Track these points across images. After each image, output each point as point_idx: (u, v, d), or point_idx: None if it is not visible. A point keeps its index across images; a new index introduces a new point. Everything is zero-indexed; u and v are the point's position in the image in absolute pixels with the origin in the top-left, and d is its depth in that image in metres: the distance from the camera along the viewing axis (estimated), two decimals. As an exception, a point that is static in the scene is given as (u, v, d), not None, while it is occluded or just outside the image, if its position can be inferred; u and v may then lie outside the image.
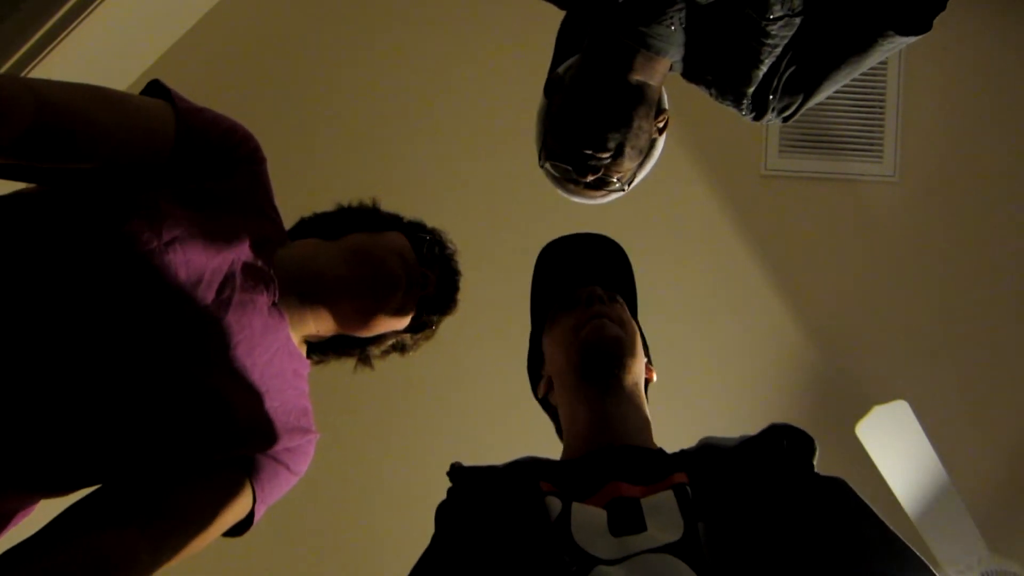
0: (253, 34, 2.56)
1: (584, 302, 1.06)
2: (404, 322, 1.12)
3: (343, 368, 1.21)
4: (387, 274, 1.05)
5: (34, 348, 0.82)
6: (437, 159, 2.57)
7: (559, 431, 1.09)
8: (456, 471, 0.95)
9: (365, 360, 1.20)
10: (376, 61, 2.58)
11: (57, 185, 0.91)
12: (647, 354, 1.13)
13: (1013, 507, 2.57)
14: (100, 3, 1.93)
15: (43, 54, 1.92)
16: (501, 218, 2.52)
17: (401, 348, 1.21)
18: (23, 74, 1.91)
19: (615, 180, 1.13)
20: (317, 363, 1.17)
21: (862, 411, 2.22)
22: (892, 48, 1.07)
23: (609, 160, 1.09)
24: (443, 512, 0.90)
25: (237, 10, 2.52)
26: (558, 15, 1.20)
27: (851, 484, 0.83)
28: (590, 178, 1.11)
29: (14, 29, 1.89)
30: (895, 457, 2.20)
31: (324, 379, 1.24)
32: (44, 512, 0.89)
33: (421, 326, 1.16)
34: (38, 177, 0.90)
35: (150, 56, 2.44)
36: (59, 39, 1.92)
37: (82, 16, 1.92)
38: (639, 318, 1.16)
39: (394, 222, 1.18)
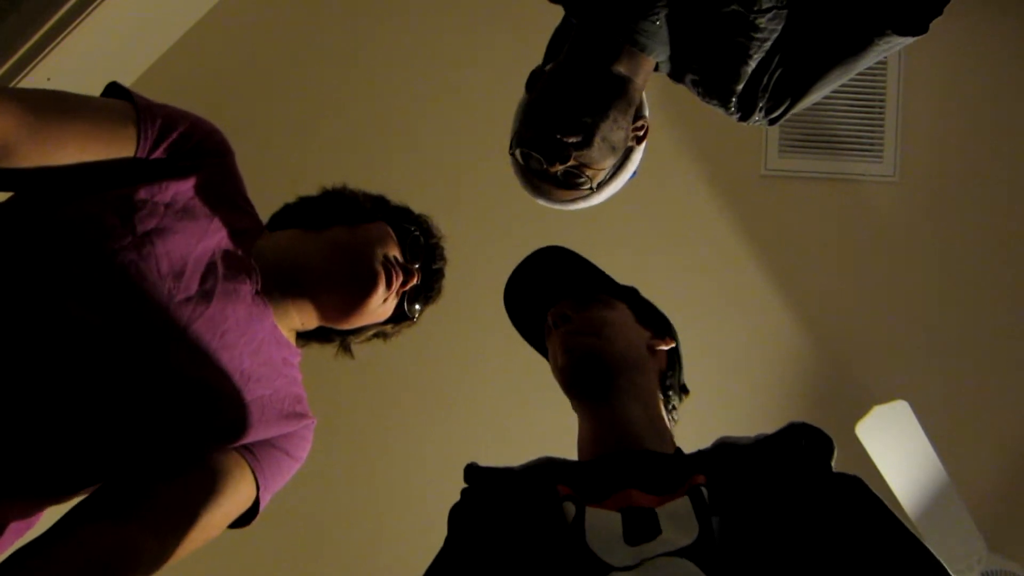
0: (252, 35, 2.56)
1: (554, 327, 1.06)
2: (385, 315, 1.12)
3: (343, 360, 1.22)
4: (368, 271, 1.05)
5: (19, 351, 0.82)
6: (439, 156, 2.57)
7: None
8: (472, 472, 0.94)
9: (346, 348, 1.20)
10: (375, 61, 2.58)
11: (26, 190, 0.91)
12: (653, 325, 1.10)
13: (1013, 507, 2.57)
14: (100, 3, 1.93)
15: (43, 54, 1.91)
16: (508, 210, 2.51)
17: (382, 336, 1.21)
18: (23, 74, 1.91)
19: (585, 177, 1.09)
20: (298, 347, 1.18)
21: (862, 411, 2.22)
22: (887, 50, 1.06)
23: (577, 146, 1.04)
24: (458, 514, 0.90)
25: (236, 11, 2.52)
26: (559, 15, 1.20)
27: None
28: (559, 167, 1.07)
29: (14, 29, 1.89)
30: (895, 457, 2.20)
31: (323, 370, 1.24)
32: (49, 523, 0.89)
33: (403, 316, 1.16)
34: (4, 183, 0.90)
35: (150, 56, 2.44)
36: (59, 39, 1.92)
37: (82, 16, 1.92)
38: (636, 291, 1.15)
39: (378, 208, 1.17)
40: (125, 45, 2.27)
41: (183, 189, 0.96)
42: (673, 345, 1.12)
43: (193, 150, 0.99)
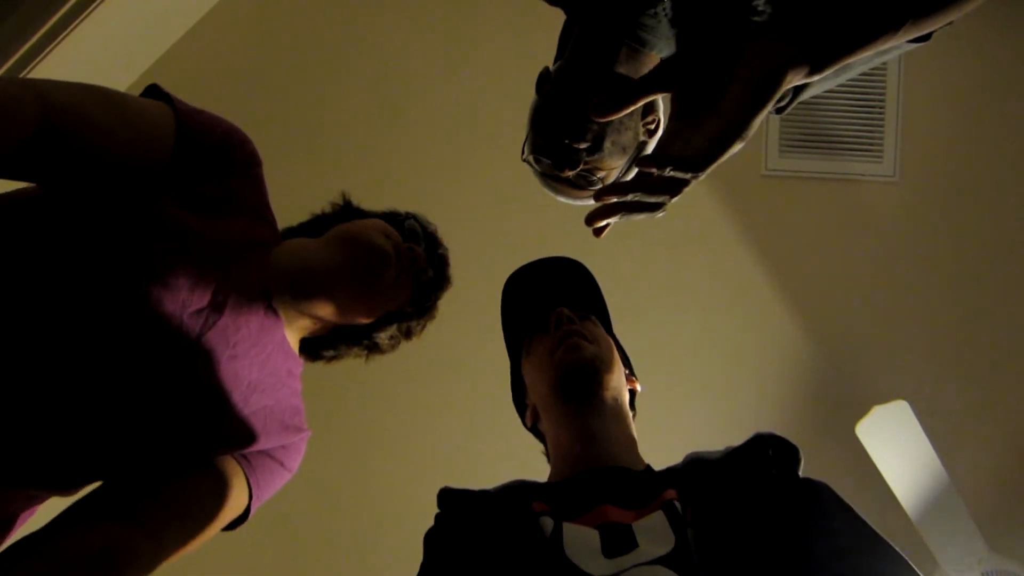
0: (252, 35, 2.56)
1: (554, 325, 1.06)
2: (402, 298, 1.11)
3: (337, 369, 1.21)
4: (375, 250, 1.05)
5: (36, 348, 0.82)
6: (436, 159, 2.58)
7: (549, 458, 1.08)
8: (447, 495, 0.94)
9: (374, 347, 1.19)
10: (374, 62, 2.58)
11: (57, 186, 0.91)
12: (628, 365, 1.14)
13: (1013, 507, 2.57)
14: (100, 3, 1.93)
15: (43, 54, 1.92)
16: (502, 219, 2.52)
17: (407, 332, 1.21)
18: (23, 75, 1.91)
19: (597, 178, 1.09)
20: (331, 359, 1.18)
21: (862, 411, 2.22)
22: (892, 54, 1.06)
23: (587, 152, 1.04)
24: (433, 538, 0.89)
25: (236, 11, 2.52)
26: (558, 13, 1.20)
27: (849, 485, 0.84)
28: (569, 173, 1.07)
29: (14, 29, 1.90)
30: (895, 457, 2.20)
31: (319, 379, 1.24)
32: (47, 515, 0.89)
33: (421, 307, 1.16)
34: (38, 177, 0.90)
35: (150, 56, 2.45)
36: (59, 39, 1.92)
37: (82, 16, 1.92)
38: (616, 332, 1.18)
39: (370, 213, 1.20)
40: (125, 45, 2.27)
41: (209, 197, 0.96)
42: (639, 389, 1.14)
43: (224, 158, 0.99)
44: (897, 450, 2.19)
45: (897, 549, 0.75)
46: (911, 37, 0.79)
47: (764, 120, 1.21)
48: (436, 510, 0.94)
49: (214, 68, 2.51)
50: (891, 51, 1.03)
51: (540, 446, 1.14)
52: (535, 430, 1.14)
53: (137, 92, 1.00)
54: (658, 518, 0.80)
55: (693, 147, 0.72)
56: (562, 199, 1.19)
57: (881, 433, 2.20)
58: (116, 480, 0.90)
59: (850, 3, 0.73)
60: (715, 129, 0.72)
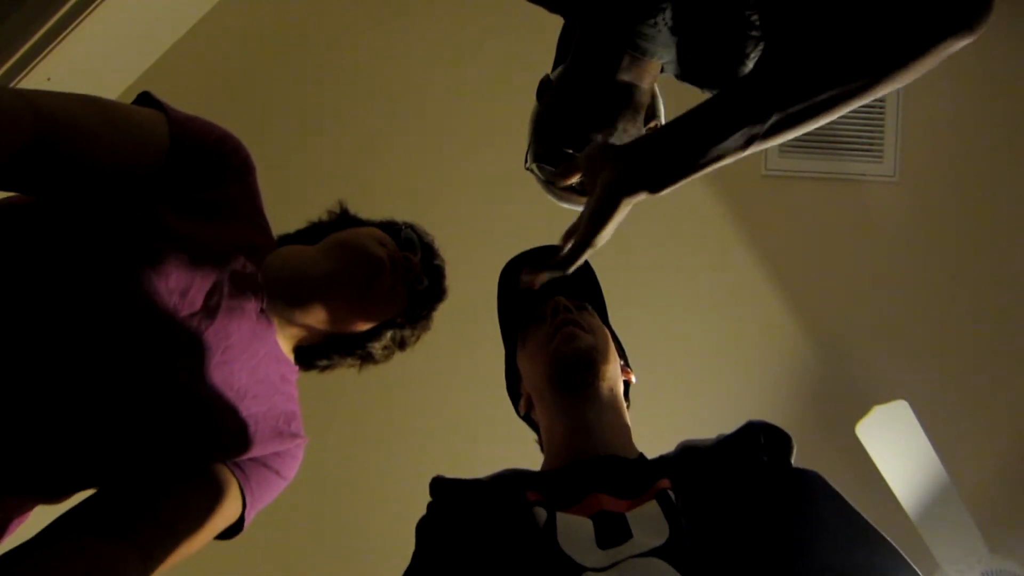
0: (250, 37, 2.56)
1: (551, 314, 1.06)
2: (396, 307, 1.11)
3: (333, 373, 1.21)
4: (369, 257, 1.04)
5: (25, 353, 0.82)
6: (433, 163, 2.58)
7: (542, 446, 1.08)
8: (439, 484, 0.94)
9: (367, 357, 1.18)
10: (372, 65, 2.58)
11: (50, 194, 0.91)
12: (623, 356, 1.14)
13: (1013, 507, 2.57)
14: (100, 3, 1.93)
15: (43, 54, 1.92)
16: (497, 220, 2.52)
17: (401, 343, 1.20)
18: (23, 74, 1.91)
19: None
20: (324, 369, 1.17)
21: (862, 411, 2.22)
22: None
23: None
24: (425, 526, 0.89)
25: (235, 13, 2.52)
26: (556, 17, 1.20)
27: (849, 485, 0.83)
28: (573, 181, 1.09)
29: (14, 29, 1.90)
30: (895, 457, 2.20)
31: (314, 380, 1.24)
32: (37, 523, 0.89)
33: (416, 317, 1.15)
34: (31, 187, 0.90)
35: (149, 57, 2.45)
36: (59, 39, 1.92)
37: (82, 16, 1.92)
38: (611, 322, 1.17)
39: (367, 222, 1.19)
40: (125, 45, 2.27)
41: (203, 203, 0.96)
42: (634, 380, 1.14)
43: (218, 165, 0.99)
44: (897, 450, 2.19)
45: (888, 538, 0.75)
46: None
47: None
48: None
49: (212, 70, 2.51)
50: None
51: (534, 438, 1.14)
52: (528, 419, 1.14)
53: (137, 92, 1.00)
54: (652, 508, 0.80)
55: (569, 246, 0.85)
56: (566, 205, 1.19)
57: (881, 433, 2.20)
58: (105, 489, 0.89)
59: (696, 124, 0.81)
60: (577, 237, 0.84)
